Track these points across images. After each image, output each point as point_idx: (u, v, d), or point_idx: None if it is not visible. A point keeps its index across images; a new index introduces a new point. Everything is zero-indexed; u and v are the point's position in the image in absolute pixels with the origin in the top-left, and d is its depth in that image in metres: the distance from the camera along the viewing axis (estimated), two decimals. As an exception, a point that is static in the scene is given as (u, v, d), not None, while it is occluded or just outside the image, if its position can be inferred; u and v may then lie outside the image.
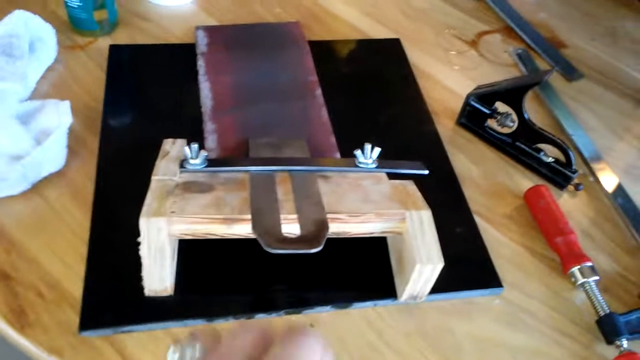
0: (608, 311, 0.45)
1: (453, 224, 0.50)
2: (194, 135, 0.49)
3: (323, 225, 0.39)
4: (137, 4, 0.69)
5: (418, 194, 0.45)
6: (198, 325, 0.43)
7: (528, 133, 0.55)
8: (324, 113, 0.57)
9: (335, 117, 0.57)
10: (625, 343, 0.43)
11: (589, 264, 0.47)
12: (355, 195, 0.43)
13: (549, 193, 0.52)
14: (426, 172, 0.48)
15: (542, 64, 0.69)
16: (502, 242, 0.51)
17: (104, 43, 0.64)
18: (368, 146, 0.46)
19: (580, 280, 0.46)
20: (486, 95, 0.56)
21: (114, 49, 0.62)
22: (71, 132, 0.52)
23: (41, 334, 0.41)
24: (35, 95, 0.57)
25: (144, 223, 0.38)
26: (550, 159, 0.55)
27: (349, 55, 0.67)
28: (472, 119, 0.58)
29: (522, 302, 0.47)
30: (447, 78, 0.66)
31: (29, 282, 0.43)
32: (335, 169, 0.46)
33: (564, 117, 0.61)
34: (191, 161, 0.44)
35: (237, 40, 0.65)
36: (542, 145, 0.55)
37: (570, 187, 0.55)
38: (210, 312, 0.43)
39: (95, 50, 0.63)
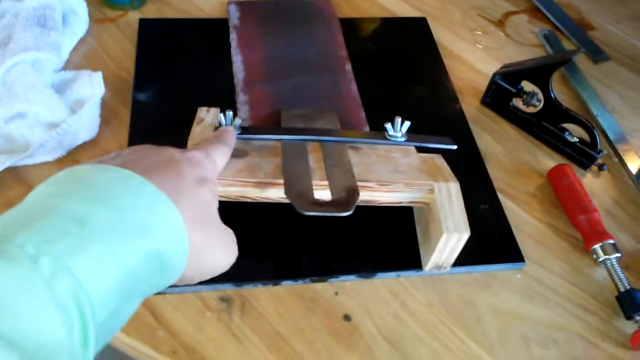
0: (628, 287, 0.45)
1: (477, 200, 0.51)
2: (226, 106, 0.50)
3: (354, 191, 0.40)
4: (166, -21, 0.70)
5: (446, 167, 0.46)
6: (227, 289, 0.44)
7: (554, 113, 0.55)
8: (354, 87, 0.58)
9: (363, 92, 0.58)
10: (645, 319, 0.44)
11: (611, 241, 0.47)
12: (384, 166, 0.44)
13: (572, 172, 0.52)
14: (455, 146, 0.48)
15: (568, 45, 0.69)
16: (525, 219, 0.51)
17: (133, 17, 0.65)
18: (398, 119, 0.47)
19: (602, 257, 0.47)
20: (512, 74, 0.56)
21: (144, 23, 0.64)
22: (103, 102, 0.54)
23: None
24: (68, 66, 0.59)
25: None
26: (575, 139, 0.55)
27: (377, 33, 0.67)
28: (497, 97, 0.59)
29: (543, 277, 0.48)
30: (473, 57, 0.66)
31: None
32: (366, 141, 0.47)
33: (589, 98, 0.61)
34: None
35: (269, 15, 0.66)
36: (567, 125, 0.55)
37: (594, 168, 0.55)
38: (238, 277, 0.44)
39: (125, 24, 0.64)
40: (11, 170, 0.48)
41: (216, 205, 0.34)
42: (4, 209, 0.47)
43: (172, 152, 0.34)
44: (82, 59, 0.60)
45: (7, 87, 0.51)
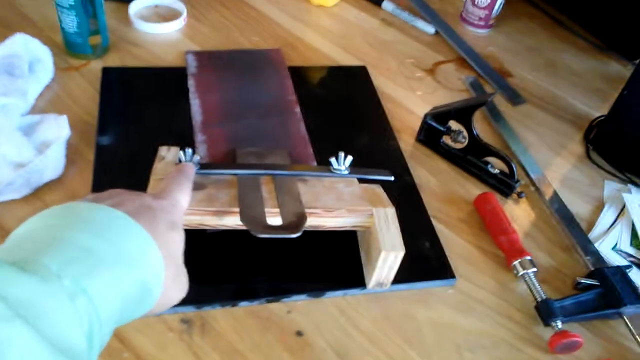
0: (545, 297, 0.52)
1: (414, 225, 0.57)
2: (185, 145, 0.54)
3: (302, 216, 0.46)
4: (127, 31, 0.76)
5: (384, 195, 0.52)
6: (188, 312, 0.48)
7: (477, 148, 0.63)
8: (302, 127, 0.64)
9: (311, 132, 0.64)
10: (559, 324, 0.50)
11: (528, 257, 0.54)
12: (330, 195, 0.50)
13: (495, 199, 0.60)
14: (392, 178, 0.55)
15: (490, 90, 0.78)
16: (455, 241, 0.58)
17: (96, 65, 0.69)
18: (342, 154, 0.53)
19: (521, 271, 0.54)
20: (440, 115, 0.64)
21: (107, 71, 0.68)
22: (68, 144, 0.58)
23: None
24: (34, 111, 0.62)
25: None
26: (496, 171, 0.63)
27: (322, 79, 0.74)
28: (429, 136, 0.66)
29: (472, 292, 0.54)
30: (408, 101, 0.74)
31: (32, 276, 0.48)
32: (313, 174, 0.53)
33: (508, 136, 0.70)
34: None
35: (224, 63, 0.72)
36: (489, 159, 0.63)
37: (514, 195, 0.63)
38: (198, 300, 0.48)
39: (88, 72, 0.69)
40: (-21, 208, 0.51)
41: (182, 247, 0.39)
42: (-28, 244, 0.49)
43: (147, 198, 0.38)
44: (47, 104, 0.64)
45: (-24, 130, 0.54)
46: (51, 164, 0.55)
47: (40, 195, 0.54)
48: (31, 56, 0.64)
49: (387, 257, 0.47)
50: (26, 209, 0.53)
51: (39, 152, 0.55)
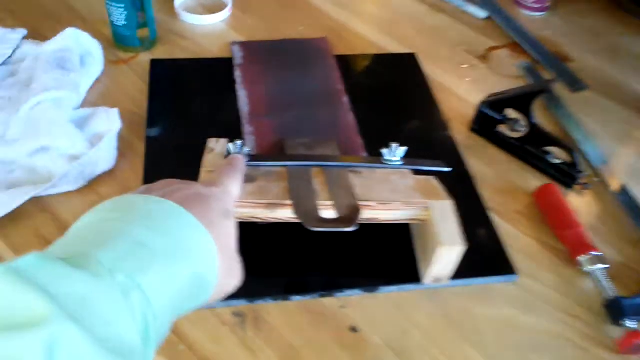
0: (614, 295, 0.49)
1: (470, 218, 0.54)
2: (233, 137, 0.54)
3: (356, 209, 0.44)
4: (174, 24, 0.76)
5: (440, 187, 0.50)
6: (240, 305, 0.47)
7: (537, 137, 0.60)
8: (351, 117, 0.63)
9: (360, 122, 0.63)
10: (630, 323, 0.47)
11: (597, 252, 0.51)
12: (383, 187, 0.48)
13: (557, 190, 0.57)
14: (448, 169, 0.53)
15: (547, 76, 0.74)
16: (514, 235, 0.55)
17: (145, 58, 0.70)
18: (395, 145, 0.51)
19: (589, 267, 0.51)
20: (497, 103, 0.61)
21: (155, 63, 0.68)
22: (119, 136, 0.58)
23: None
24: (85, 104, 0.63)
25: None
26: (557, 161, 0.59)
27: (370, 68, 0.72)
28: (484, 125, 0.63)
29: (534, 288, 0.51)
30: (460, 89, 0.71)
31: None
32: (365, 165, 0.51)
33: (569, 124, 0.66)
34: None
35: (270, 54, 0.71)
36: (549, 149, 0.60)
37: (577, 186, 0.60)
38: (251, 293, 0.47)
39: (137, 65, 0.69)
40: (35, 200, 0.52)
41: (236, 236, 0.38)
42: (29, 236, 0.50)
43: (199, 187, 0.38)
44: (98, 97, 0.64)
45: (31, 123, 0.55)
46: (104, 156, 0.55)
47: (94, 187, 0.54)
48: (82, 50, 0.65)
49: (445, 253, 0.45)
50: (80, 200, 0.53)
51: (91, 144, 0.55)
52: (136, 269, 0.28)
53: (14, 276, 0.23)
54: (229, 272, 0.37)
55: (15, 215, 0.50)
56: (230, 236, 0.37)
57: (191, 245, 0.32)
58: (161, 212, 0.33)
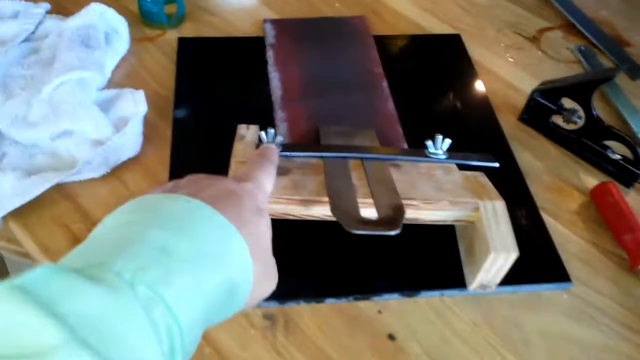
0: (681, 309, 0.44)
1: (520, 218, 0.50)
2: (264, 123, 0.50)
3: (400, 209, 0.40)
4: (202, -1, 0.72)
5: (491, 185, 0.45)
6: (271, 307, 0.44)
7: (595, 130, 0.54)
8: (391, 104, 0.58)
9: (400, 109, 0.58)
10: (698, 342, 0.43)
11: (661, 261, 0.46)
12: (428, 184, 0.44)
13: (617, 190, 0.52)
14: (497, 164, 0.48)
15: (605, 61, 0.68)
16: (568, 237, 0.50)
17: (172, 36, 0.66)
18: (439, 137, 0.47)
19: (652, 277, 0.46)
20: (552, 91, 0.56)
21: (183, 42, 0.65)
22: (145, 119, 0.55)
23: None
24: (110, 84, 0.60)
25: None
26: (617, 156, 0.54)
27: (411, 50, 0.67)
28: (535, 114, 0.58)
29: (590, 298, 0.47)
30: (508, 74, 0.66)
31: (110, 260, 0.46)
32: (407, 158, 0.47)
33: (630, 115, 0.60)
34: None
35: (304, 33, 0.66)
36: (608, 143, 0.55)
37: (638, 185, 0.54)
38: (282, 295, 0.44)
39: (164, 43, 0.65)
40: (57, 187, 0.49)
41: (270, 235, 0.35)
42: (51, 224, 0.48)
43: (230, 183, 0.35)
44: (123, 77, 0.61)
45: (54, 105, 0.52)
46: (129, 141, 0.52)
47: (118, 174, 0.52)
48: (107, 27, 0.61)
49: (496, 259, 0.41)
50: (104, 187, 0.51)
51: (116, 129, 0.52)
52: (159, 280, 0.25)
53: (19, 296, 0.20)
54: (264, 276, 0.34)
55: (36, 203, 0.48)
56: (264, 236, 0.34)
57: (221, 249, 0.29)
58: (188, 212, 0.30)
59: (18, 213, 0.47)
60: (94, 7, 0.60)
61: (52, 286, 0.22)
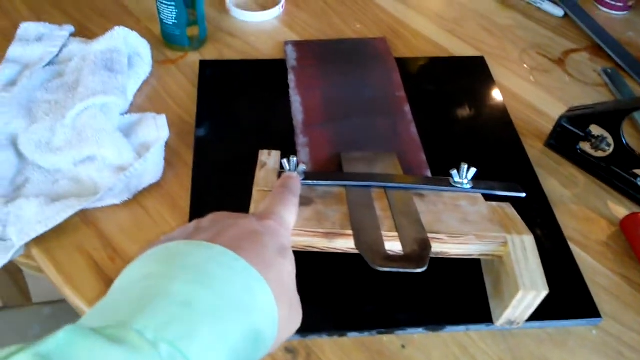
0: None
1: (547, 249, 0.49)
2: (285, 147, 0.50)
3: (426, 244, 0.39)
4: (223, 21, 0.72)
5: (518, 217, 0.44)
6: (292, 339, 0.43)
7: (625, 158, 0.53)
8: (413, 129, 0.57)
9: (422, 134, 0.57)
10: None
11: (696, 298, 0.45)
12: (453, 215, 0.43)
13: (648, 221, 0.50)
14: (523, 194, 0.47)
15: (632, 84, 0.67)
16: (598, 270, 0.49)
17: (193, 58, 0.66)
18: (465, 166, 0.46)
19: (686, 314, 0.44)
20: (580, 118, 0.55)
21: (204, 64, 0.65)
22: (166, 144, 0.55)
23: (144, 340, 0.42)
24: (132, 108, 0.60)
25: None
26: (648, 185, 0.53)
27: (434, 72, 0.66)
28: (562, 141, 0.57)
29: (621, 334, 0.45)
30: (533, 97, 0.64)
31: (131, 289, 0.45)
32: (432, 188, 0.46)
33: (660, 141, 0.59)
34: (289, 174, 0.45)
35: (325, 55, 0.66)
36: (638, 171, 0.53)
37: (669, 215, 0.53)
38: (304, 328, 0.43)
39: (185, 65, 0.65)
40: (80, 213, 0.49)
41: (294, 272, 0.34)
42: (72, 251, 0.48)
43: (252, 222, 0.34)
44: (145, 100, 0.61)
45: (77, 131, 0.52)
46: (151, 167, 0.52)
47: (140, 200, 0.52)
48: (130, 50, 0.62)
49: (525, 297, 0.40)
50: (125, 213, 0.51)
51: (138, 154, 0.52)
52: (181, 336, 0.24)
53: None
54: (289, 318, 0.33)
55: (57, 228, 0.47)
56: (289, 276, 0.34)
57: (245, 297, 0.28)
58: (209, 260, 0.29)
59: (39, 238, 0.47)
60: (118, 31, 0.60)
61: (74, 351, 0.21)
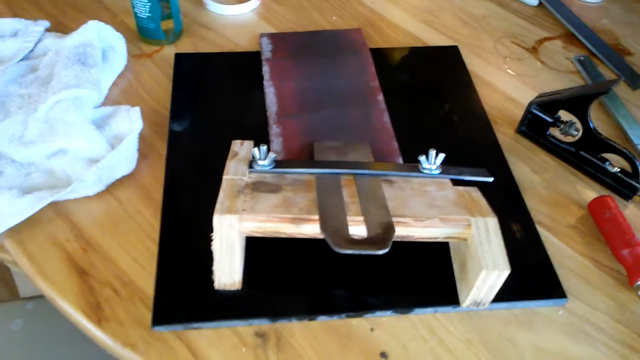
0: (680, 327, 0.43)
1: (515, 233, 0.50)
2: (259, 138, 0.50)
3: (389, 227, 0.40)
4: (199, 14, 0.72)
5: (484, 201, 0.45)
6: (263, 325, 0.44)
7: (593, 142, 0.54)
8: (386, 118, 0.58)
9: (396, 123, 0.58)
10: (698, 360, 0.42)
11: (659, 277, 0.45)
12: (420, 200, 0.44)
13: (615, 204, 0.51)
14: (491, 179, 0.48)
15: (605, 71, 0.67)
16: (565, 252, 0.50)
17: (169, 51, 0.66)
18: (433, 152, 0.47)
19: (650, 293, 0.45)
20: (549, 104, 0.55)
21: (179, 57, 0.65)
22: (140, 136, 0.55)
23: (116, 328, 0.43)
24: (106, 101, 0.60)
25: (217, 220, 0.40)
26: (616, 169, 0.53)
27: (408, 62, 0.67)
28: (533, 127, 0.58)
29: (586, 314, 0.46)
30: (507, 85, 0.65)
31: (104, 279, 0.46)
32: (400, 174, 0.47)
33: (629, 126, 0.60)
34: (260, 162, 0.46)
35: (300, 46, 0.66)
36: (607, 155, 0.54)
37: (637, 198, 0.54)
38: (273, 312, 0.44)
39: (161, 59, 0.66)
40: (53, 205, 0.50)
41: None
42: (45, 242, 0.48)
43: None
44: (120, 94, 0.61)
45: (50, 124, 0.52)
46: (124, 159, 0.52)
47: (113, 192, 0.52)
48: (104, 44, 0.62)
49: (487, 277, 0.40)
50: (98, 205, 0.51)
51: (111, 146, 0.53)
52: None
53: None
54: None
55: (30, 220, 0.48)
56: None
57: None
58: None
59: (12, 230, 0.48)
60: (92, 24, 0.60)
61: None
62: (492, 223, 0.43)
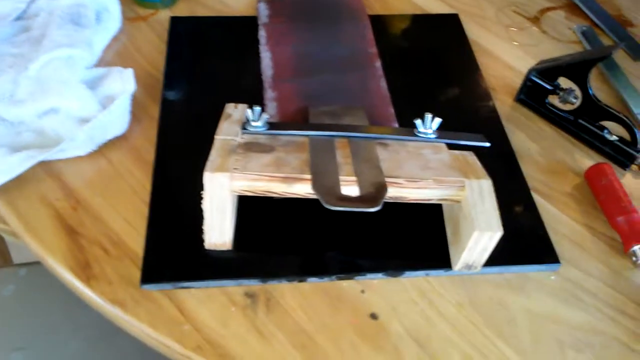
0: (673, 293, 0.43)
1: (510, 199, 0.49)
2: (253, 103, 0.49)
3: (382, 187, 0.40)
4: (196, -22, 0.71)
5: (478, 164, 0.45)
6: (253, 285, 0.44)
7: (592, 110, 0.53)
8: (383, 84, 0.57)
9: (393, 89, 0.57)
10: (690, 326, 0.42)
11: (654, 243, 0.45)
12: (414, 163, 0.43)
13: (611, 171, 0.50)
14: (487, 144, 0.47)
15: (607, 42, 0.66)
16: (560, 219, 0.49)
17: (165, 15, 0.65)
18: (429, 116, 0.46)
19: (643, 259, 0.45)
20: (548, 71, 0.54)
21: (175, 21, 0.64)
22: (134, 98, 0.54)
23: (105, 286, 0.43)
24: (100, 63, 0.59)
25: (207, 177, 0.39)
26: (614, 137, 0.53)
27: (407, 30, 0.66)
28: (532, 95, 0.57)
29: (579, 279, 0.46)
30: (507, 54, 0.64)
31: (93, 237, 0.45)
32: (395, 137, 0.46)
33: (629, 96, 0.59)
34: (253, 123, 0.45)
35: (298, 12, 0.65)
36: (605, 123, 0.53)
37: (634, 167, 0.53)
38: (263, 273, 0.44)
39: (156, 22, 0.65)
40: (43, 164, 0.49)
41: None
42: (35, 202, 0.48)
43: None
44: (114, 56, 0.61)
45: (41, 83, 0.52)
46: (115, 119, 0.52)
47: (104, 152, 0.51)
48: (98, 5, 0.61)
49: (480, 238, 0.40)
50: (89, 166, 0.50)
51: (103, 106, 0.52)
52: None
53: None
54: None
55: (20, 180, 0.48)
56: None
57: None
58: None
59: (2, 189, 0.47)
60: (85, -15, 0.59)
61: None
62: (486, 185, 0.42)
